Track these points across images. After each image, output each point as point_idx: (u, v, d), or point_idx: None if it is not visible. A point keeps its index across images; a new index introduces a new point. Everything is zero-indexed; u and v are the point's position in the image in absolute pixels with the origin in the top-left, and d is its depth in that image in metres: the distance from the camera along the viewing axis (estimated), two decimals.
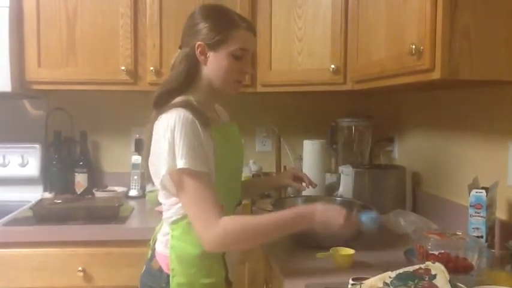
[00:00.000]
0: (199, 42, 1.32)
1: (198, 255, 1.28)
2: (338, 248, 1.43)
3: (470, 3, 1.19)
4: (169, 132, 1.21)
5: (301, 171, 1.81)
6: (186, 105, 1.27)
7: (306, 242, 1.58)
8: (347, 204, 1.71)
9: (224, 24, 1.33)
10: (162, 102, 1.32)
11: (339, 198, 1.87)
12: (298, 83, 2.07)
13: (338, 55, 1.92)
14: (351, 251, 1.41)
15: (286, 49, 2.08)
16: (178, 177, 1.21)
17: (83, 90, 2.19)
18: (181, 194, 1.23)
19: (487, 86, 1.52)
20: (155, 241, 1.41)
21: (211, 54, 1.33)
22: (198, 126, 1.23)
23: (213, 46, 1.32)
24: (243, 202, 1.57)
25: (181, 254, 1.29)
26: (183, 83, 1.34)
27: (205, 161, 1.23)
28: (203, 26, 1.33)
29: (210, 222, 1.19)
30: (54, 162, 2.39)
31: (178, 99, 1.31)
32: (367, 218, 1.36)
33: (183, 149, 1.19)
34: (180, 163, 1.19)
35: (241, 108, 2.47)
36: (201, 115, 1.26)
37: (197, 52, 1.33)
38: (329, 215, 1.29)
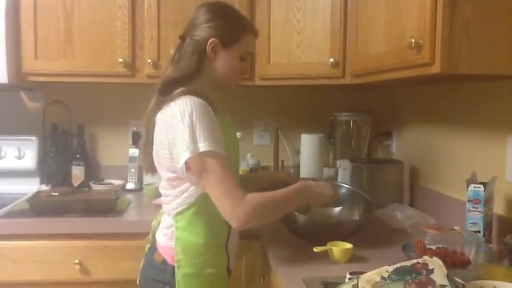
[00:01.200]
0: (213, 39, 1.36)
1: (204, 245, 1.31)
2: (335, 242, 1.43)
3: None
4: (187, 117, 1.22)
5: (293, 175, 1.81)
6: (197, 93, 1.29)
7: (304, 236, 1.59)
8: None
9: (239, 26, 1.42)
10: (167, 90, 1.33)
11: (345, 185, 1.86)
12: (297, 77, 2.06)
13: (337, 49, 1.91)
14: (348, 245, 1.41)
15: (285, 42, 2.07)
16: (200, 160, 1.22)
17: (80, 82, 2.18)
18: (205, 176, 1.23)
19: (486, 81, 1.52)
20: (154, 234, 1.41)
21: (222, 52, 1.38)
22: (212, 112, 1.27)
23: (226, 45, 1.39)
24: None
25: (188, 245, 1.31)
26: (192, 74, 1.37)
27: (223, 143, 1.26)
28: (219, 24, 1.38)
29: (239, 198, 1.21)
30: (51, 155, 2.38)
31: (182, 89, 1.32)
32: None
33: (204, 132, 1.22)
34: (203, 146, 1.21)
35: (239, 102, 2.47)
36: (211, 103, 1.30)
37: (209, 47, 1.37)
38: (320, 187, 1.45)
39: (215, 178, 1.22)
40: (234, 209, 1.21)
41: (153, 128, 1.34)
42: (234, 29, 1.40)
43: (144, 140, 1.41)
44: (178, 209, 1.31)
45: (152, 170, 1.40)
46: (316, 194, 1.44)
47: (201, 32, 1.37)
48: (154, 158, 1.36)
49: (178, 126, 1.23)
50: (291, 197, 1.36)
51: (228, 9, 1.45)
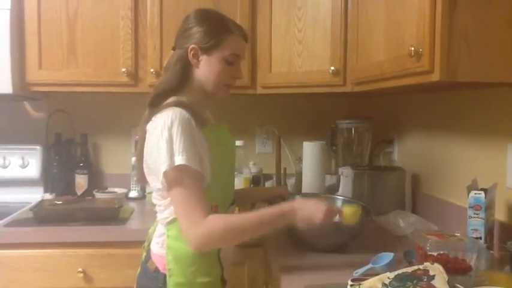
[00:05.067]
0: (192, 46, 1.35)
1: (195, 254, 1.29)
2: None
3: (469, 5, 1.20)
4: (166, 130, 1.22)
5: (290, 191, 1.78)
6: (181, 104, 1.29)
7: (305, 243, 1.59)
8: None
9: (218, 29, 1.37)
10: (157, 103, 1.34)
11: (341, 197, 1.86)
12: (298, 85, 2.07)
13: (338, 57, 1.92)
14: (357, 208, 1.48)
15: (286, 51, 2.09)
16: (173, 174, 1.22)
17: (83, 92, 2.20)
18: (172, 191, 1.24)
19: (486, 88, 1.53)
20: (149, 242, 1.42)
21: (203, 58, 1.37)
22: (194, 125, 1.26)
23: (206, 50, 1.36)
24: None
25: (178, 254, 1.30)
26: (178, 84, 1.36)
27: (200, 160, 1.25)
28: (197, 30, 1.36)
29: (195, 220, 1.20)
30: (55, 164, 2.40)
31: (172, 99, 1.33)
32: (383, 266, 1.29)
33: (180, 146, 1.21)
34: (178, 159, 1.20)
35: (241, 110, 2.49)
36: (196, 115, 1.29)
37: (190, 55, 1.36)
38: (309, 210, 1.31)
39: (179, 195, 1.22)
40: (187, 230, 1.21)
41: (144, 138, 1.34)
42: (213, 33, 1.36)
43: (137, 150, 1.41)
44: (169, 218, 1.31)
45: (143, 179, 1.40)
46: (303, 218, 1.31)
47: (182, 41, 1.38)
48: (144, 169, 1.36)
49: (158, 140, 1.23)
50: (265, 223, 1.29)
51: (208, 14, 1.42)
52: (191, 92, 1.38)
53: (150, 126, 1.31)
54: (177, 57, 1.37)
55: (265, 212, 1.31)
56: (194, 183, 1.22)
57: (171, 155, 1.21)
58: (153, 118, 1.31)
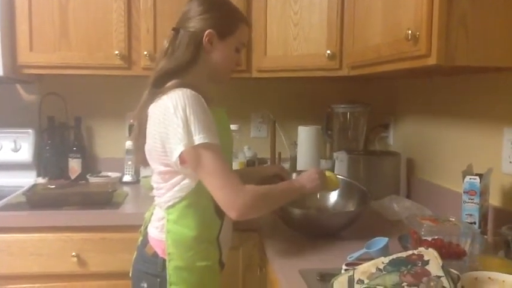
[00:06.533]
0: (210, 30, 1.35)
1: (195, 238, 1.30)
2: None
3: None
4: (180, 110, 1.21)
5: (288, 172, 1.79)
6: (189, 85, 1.28)
7: (299, 229, 1.59)
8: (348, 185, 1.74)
9: (234, 17, 1.42)
10: (161, 82, 1.32)
11: (341, 177, 1.85)
12: (294, 69, 2.05)
13: (334, 40, 1.90)
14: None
15: (282, 34, 2.06)
16: (195, 152, 1.21)
17: (76, 74, 2.17)
18: (202, 168, 1.22)
19: (483, 73, 1.52)
20: (146, 227, 1.41)
21: (218, 43, 1.38)
22: (204, 103, 1.26)
23: (223, 36, 1.38)
24: None
25: (178, 238, 1.30)
26: (186, 66, 1.35)
27: (217, 134, 1.25)
28: (215, 15, 1.37)
29: (239, 188, 1.21)
30: (48, 148, 2.38)
31: (175, 81, 1.31)
32: (377, 250, 1.29)
33: (198, 124, 1.20)
34: (198, 138, 1.20)
35: (236, 94, 2.47)
36: (204, 95, 1.29)
37: (205, 39, 1.36)
38: (312, 183, 1.45)
39: (213, 170, 1.22)
40: (234, 199, 1.20)
41: (146, 120, 1.33)
42: (230, 20, 1.40)
43: (136, 132, 1.40)
44: (170, 202, 1.31)
45: (144, 162, 1.39)
46: (309, 191, 1.46)
47: (196, 23, 1.36)
48: (147, 151, 1.35)
49: (171, 120, 1.22)
50: (287, 194, 1.39)
51: (222, 0, 1.44)
52: (195, 75, 1.36)
53: (154, 109, 1.29)
54: (190, 38, 1.36)
55: (287, 185, 1.45)
56: (220, 156, 1.23)
57: (189, 135, 1.20)
58: (156, 100, 1.29)
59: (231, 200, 1.21)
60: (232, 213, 1.22)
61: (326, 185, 1.52)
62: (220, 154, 1.23)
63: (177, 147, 1.21)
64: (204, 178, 1.24)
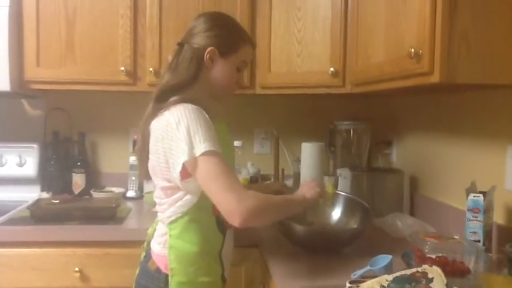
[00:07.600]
0: (211, 47, 1.37)
1: (198, 253, 1.30)
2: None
3: (469, 7, 1.19)
4: (182, 125, 1.22)
5: (290, 189, 1.80)
6: (190, 100, 1.29)
7: (302, 246, 1.59)
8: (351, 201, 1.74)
9: (238, 37, 1.43)
10: (164, 97, 1.33)
11: (344, 193, 1.85)
12: (297, 86, 2.07)
13: (337, 58, 1.92)
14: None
15: (286, 51, 2.08)
16: (198, 161, 1.19)
17: (81, 90, 2.19)
18: (204, 174, 1.20)
19: (486, 90, 1.53)
20: (149, 243, 1.41)
21: (219, 61, 1.39)
22: (206, 115, 1.27)
23: (224, 54, 1.39)
24: None
25: (181, 253, 1.30)
26: (189, 82, 1.36)
27: (219, 144, 1.24)
28: (218, 33, 1.39)
29: (243, 193, 1.18)
30: (52, 162, 2.39)
31: (178, 96, 1.32)
32: (381, 268, 1.29)
33: (201, 135, 1.20)
34: (201, 147, 1.19)
35: (240, 110, 2.48)
36: (206, 110, 1.29)
37: (206, 56, 1.37)
38: (310, 191, 1.46)
39: (216, 175, 1.19)
40: (238, 203, 1.15)
41: (149, 135, 1.34)
42: (233, 39, 1.41)
43: (139, 146, 1.41)
44: (173, 218, 1.31)
45: (147, 177, 1.40)
46: (311, 200, 1.45)
47: (200, 40, 1.38)
48: (150, 167, 1.36)
49: (174, 135, 1.22)
50: (289, 204, 1.39)
51: (228, 19, 1.46)
52: (197, 91, 1.37)
53: (156, 125, 1.30)
54: (192, 54, 1.37)
55: (290, 197, 1.45)
56: (224, 163, 1.22)
57: (192, 147, 1.19)
58: (159, 115, 1.30)
59: (234, 205, 1.16)
60: (235, 218, 1.17)
61: (325, 193, 1.56)
62: (223, 161, 1.22)
63: (180, 159, 1.21)
64: (207, 185, 1.21)
